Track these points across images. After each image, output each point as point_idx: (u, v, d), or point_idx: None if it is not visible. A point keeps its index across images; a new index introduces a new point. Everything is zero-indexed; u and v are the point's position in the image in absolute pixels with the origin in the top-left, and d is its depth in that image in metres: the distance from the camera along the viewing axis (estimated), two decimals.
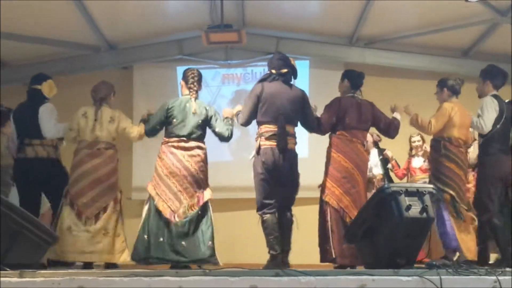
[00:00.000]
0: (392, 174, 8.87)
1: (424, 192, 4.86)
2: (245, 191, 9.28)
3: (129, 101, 10.24)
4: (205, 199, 6.19)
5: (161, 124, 6.34)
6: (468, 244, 6.33)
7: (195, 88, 6.37)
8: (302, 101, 6.16)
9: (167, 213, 6.06)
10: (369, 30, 9.91)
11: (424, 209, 4.76)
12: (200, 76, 6.46)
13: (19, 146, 6.63)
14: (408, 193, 4.81)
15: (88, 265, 6.28)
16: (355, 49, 10.41)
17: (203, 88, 10.29)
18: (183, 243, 6.02)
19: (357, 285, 3.93)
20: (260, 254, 6.15)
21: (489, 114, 6.34)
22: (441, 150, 6.46)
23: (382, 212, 4.84)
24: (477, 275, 4.08)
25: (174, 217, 6.05)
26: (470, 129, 6.75)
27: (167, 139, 6.28)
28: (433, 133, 6.52)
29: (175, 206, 6.08)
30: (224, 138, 6.36)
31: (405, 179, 8.75)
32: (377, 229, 4.91)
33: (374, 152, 8.53)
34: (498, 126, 6.34)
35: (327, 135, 6.48)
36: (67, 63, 10.40)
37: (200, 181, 6.21)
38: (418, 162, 8.69)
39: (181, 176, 6.13)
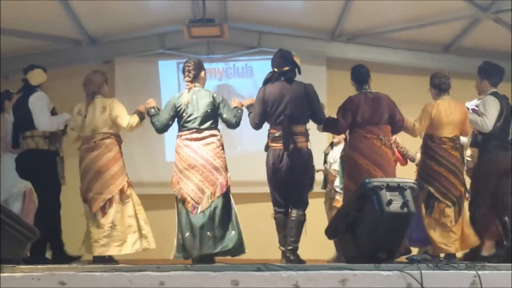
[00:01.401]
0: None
1: (405, 187, 4.89)
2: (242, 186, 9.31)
3: (111, 95, 10.14)
4: (226, 184, 6.20)
5: (172, 119, 6.36)
6: (442, 239, 6.42)
7: (189, 79, 6.36)
8: (306, 96, 6.11)
9: (189, 207, 6.09)
10: (351, 25, 9.93)
11: (405, 204, 4.79)
12: (195, 65, 6.41)
13: (12, 140, 6.61)
14: (389, 188, 4.83)
15: (101, 259, 6.28)
16: (337, 44, 10.43)
17: (185, 82, 10.28)
18: (208, 233, 6.04)
19: (338, 279, 3.94)
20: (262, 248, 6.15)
21: (491, 113, 6.41)
22: (424, 148, 6.59)
23: (363, 207, 4.86)
24: (457, 269, 4.10)
25: (197, 209, 6.07)
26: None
27: (180, 133, 6.28)
28: (419, 134, 6.56)
29: (198, 197, 6.09)
30: (231, 125, 6.36)
31: None
32: (358, 223, 4.93)
33: (339, 148, 8.23)
34: (498, 123, 6.42)
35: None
36: (48, 57, 10.29)
37: (219, 167, 6.21)
38: None
39: (200, 166, 6.13)
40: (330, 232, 5.40)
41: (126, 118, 6.43)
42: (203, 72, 6.47)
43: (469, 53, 10.22)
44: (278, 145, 5.99)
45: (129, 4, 9.21)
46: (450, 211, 6.45)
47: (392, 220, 4.79)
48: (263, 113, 6.11)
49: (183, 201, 6.14)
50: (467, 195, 6.67)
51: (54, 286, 3.92)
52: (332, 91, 9.76)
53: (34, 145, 6.44)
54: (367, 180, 4.95)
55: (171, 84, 10.73)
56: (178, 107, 6.27)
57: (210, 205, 6.08)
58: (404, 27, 9.79)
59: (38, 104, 6.48)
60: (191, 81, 6.36)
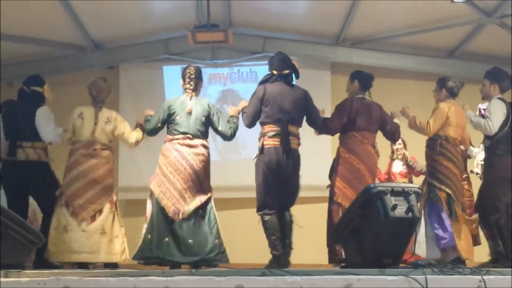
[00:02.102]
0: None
1: (410, 192, 4.88)
2: (229, 190, 9.34)
3: (115, 101, 10.17)
4: (207, 197, 6.15)
5: (163, 123, 6.29)
6: (461, 243, 6.37)
7: (191, 87, 6.32)
8: (305, 101, 6.18)
9: (171, 212, 6.01)
10: (356, 30, 9.93)
11: (409, 209, 4.78)
12: (197, 73, 6.38)
13: (8, 147, 6.48)
14: (394, 192, 4.82)
15: (83, 266, 6.25)
16: (341, 49, 10.42)
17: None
18: (190, 241, 5.97)
19: (343, 284, 3.94)
20: (251, 254, 6.12)
21: (497, 116, 6.40)
22: (437, 148, 6.50)
23: (368, 212, 4.85)
24: (462, 274, 4.10)
25: (178, 215, 6.00)
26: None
27: (171, 137, 6.21)
28: (432, 133, 6.52)
29: (180, 204, 6.02)
30: (226, 137, 6.34)
31: None
32: (363, 228, 4.92)
33: None
34: (505, 128, 6.41)
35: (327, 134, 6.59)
36: (52, 63, 10.34)
37: (203, 179, 6.17)
38: (398, 166, 8.66)
39: (186, 173, 6.07)
40: (335, 237, 5.39)
41: (132, 135, 6.48)
42: (202, 80, 6.47)
43: (474, 58, 10.22)
44: (276, 143, 5.97)
45: (134, 10, 9.23)
46: (463, 215, 6.51)
47: (396, 225, 4.78)
48: (259, 111, 6.10)
49: (161, 205, 6.05)
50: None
51: None
52: (336, 96, 9.70)
53: (36, 157, 6.44)
54: (372, 185, 4.95)
55: (175, 89, 10.65)
56: (172, 110, 6.22)
57: (191, 213, 6.02)
58: (409, 32, 9.78)
59: (47, 116, 6.49)
60: (193, 90, 6.34)
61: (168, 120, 6.26)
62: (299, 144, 6.15)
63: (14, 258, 4.87)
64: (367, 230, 4.89)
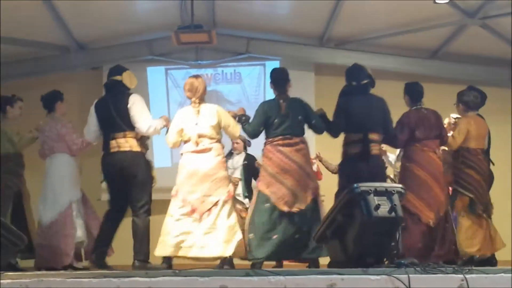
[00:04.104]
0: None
1: (393, 192, 4.90)
2: None
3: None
4: (316, 191, 6.29)
5: (263, 126, 6.37)
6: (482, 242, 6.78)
7: (283, 90, 6.45)
8: (382, 109, 6.47)
9: (285, 209, 6.10)
10: (340, 31, 9.97)
11: (392, 209, 4.80)
12: (287, 75, 6.53)
13: (103, 141, 6.36)
14: (377, 192, 4.83)
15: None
16: (325, 49, 10.46)
17: (173, 89, 10.26)
18: (296, 236, 6.11)
19: (327, 284, 3.95)
20: None
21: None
22: (459, 159, 6.90)
23: (351, 212, 4.86)
24: (445, 273, 4.12)
25: (290, 212, 6.10)
26: None
27: (271, 139, 6.30)
28: (457, 147, 6.89)
29: (291, 201, 6.11)
30: (319, 131, 6.53)
31: None
32: (346, 228, 4.93)
33: (239, 157, 8.32)
34: None
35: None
36: (35, 64, 10.31)
37: (309, 173, 6.33)
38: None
39: (293, 171, 6.18)
40: (318, 237, 5.40)
41: (237, 128, 6.47)
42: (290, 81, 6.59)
43: (456, 59, 10.28)
44: (356, 151, 6.24)
45: (117, 10, 9.22)
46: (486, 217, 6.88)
47: (380, 225, 4.80)
48: (343, 121, 6.35)
49: (274, 204, 6.13)
50: None
51: None
52: (320, 97, 9.77)
53: (128, 147, 6.28)
54: (355, 185, 4.95)
55: (159, 90, 10.74)
56: (269, 112, 6.32)
57: (302, 209, 6.14)
58: (392, 33, 9.84)
59: (142, 105, 6.40)
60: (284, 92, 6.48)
61: (267, 123, 6.35)
62: (380, 150, 6.48)
63: None
64: (350, 230, 4.91)
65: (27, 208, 7.05)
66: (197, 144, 6.24)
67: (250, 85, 10.81)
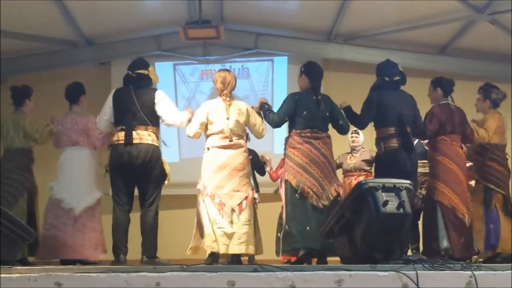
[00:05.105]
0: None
1: (401, 188, 4.89)
2: None
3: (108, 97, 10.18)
4: (339, 188, 6.31)
5: (289, 116, 6.37)
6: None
7: (318, 84, 6.51)
8: (413, 105, 6.60)
9: (313, 200, 6.09)
10: (348, 26, 9.95)
11: (401, 205, 4.78)
12: (321, 70, 6.68)
13: (125, 133, 6.30)
14: (385, 188, 4.82)
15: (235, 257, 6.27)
16: (333, 45, 10.45)
17: (181, 84, 10.26)
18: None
19: (334, 280, 3.94)
20: None
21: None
22: (487, 155, 6.98)
23: (359, 208, 4.86)
24: (453, 270, 4.11)
25: (319, 203, 6.09)
26: None
27: (299, 130, 6.28)
28: (486, 142, 7.00)
29: (319, 192, 6.11)
30: (344, 131, 6.58)
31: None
32: (354, 224, 4.93)
33: None
34: None
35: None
36: (44, 59, 10.34)
37: (334, 169, 6.38)
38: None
39: (320, 162, 6.19)
40: (326, 233, 5.40)
41: (264, 128, 6.55)
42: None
43: (465, 55, 10.25)
44: (395, 145, 6.36)
45: (125, 6, 9.22)
46: None
47: (388, 221, 4.79)
48: (373, 114, 6.46)
49: (304, 194, 6.10)
50: None
51: (51, 287, 3.91)
52: (328, 93, 9.67)
53: (151, 140, 6.32)
54: (363, 181, 4.95)
55: (167, 85, 10.73)
56: (298, 103, 6.31)
57: (330, 201, 6.13)
58: (400, 28, 9.81)
59: (168, 100, 6.50)
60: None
61: (294, 114, 6.34)
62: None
63: (5, 254, 4.87)
64: (358, 226, 4.90)
65: (36, 204, 7.07)
66: (230, 139, 6.26)
67: (258, 80, 10.79)
